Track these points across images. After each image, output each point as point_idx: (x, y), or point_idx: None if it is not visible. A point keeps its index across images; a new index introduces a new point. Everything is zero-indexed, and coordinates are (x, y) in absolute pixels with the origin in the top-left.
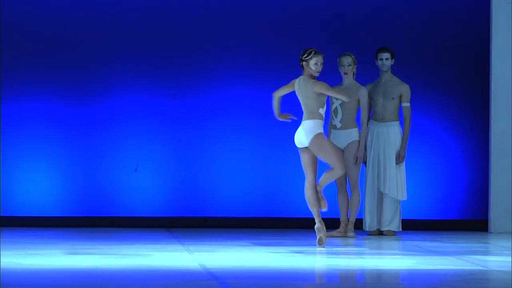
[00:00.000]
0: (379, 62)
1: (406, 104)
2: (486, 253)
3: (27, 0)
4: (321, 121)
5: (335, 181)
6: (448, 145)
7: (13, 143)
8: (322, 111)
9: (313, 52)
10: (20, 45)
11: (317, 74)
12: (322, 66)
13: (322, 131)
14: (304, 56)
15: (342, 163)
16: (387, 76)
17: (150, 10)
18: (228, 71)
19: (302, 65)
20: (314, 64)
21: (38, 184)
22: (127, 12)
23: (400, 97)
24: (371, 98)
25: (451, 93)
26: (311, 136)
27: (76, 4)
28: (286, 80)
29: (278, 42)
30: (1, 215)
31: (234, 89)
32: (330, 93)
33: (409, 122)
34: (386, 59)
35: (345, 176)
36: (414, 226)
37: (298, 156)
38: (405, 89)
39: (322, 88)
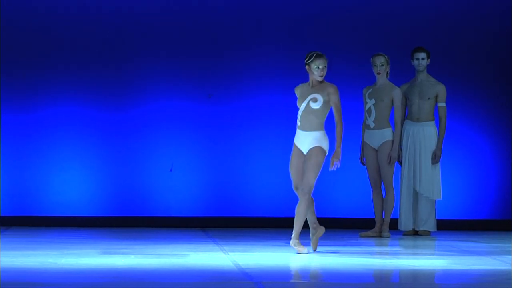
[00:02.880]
0: (415, 62)
1: (442, 104)
2: None
3: (66, 4)
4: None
5: (369, 180)
6: (481, 146)
7: (49, 146)
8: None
9: (314, 55)
10: (56, 51)
11: (320, 79)
12: (326, 69)
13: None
14: (306, 59)
15: (314, 183)
16: (423, 76)
17: (182, 14)
18: (261, 76)
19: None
20: (316, 67)
21: (74, 184)
22: (160, 16)
23: (436, 97)
24: (407, 98)
25: (484, 94)
26: (318, 145)
27: (109, 10)
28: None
29: (310, 47)
30: (37, 214)
31: (267, 93)
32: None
33: (445, 122)
34: (422, 58)
35: (379, 175)
36: (449, 226)
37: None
38: (441, 89)
39: (338, 101)
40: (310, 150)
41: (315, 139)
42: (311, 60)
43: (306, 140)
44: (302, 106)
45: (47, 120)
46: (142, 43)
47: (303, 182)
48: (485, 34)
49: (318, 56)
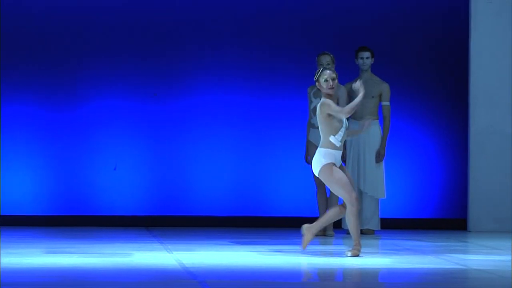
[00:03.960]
0: (359, 61)
1: (386, 103)
2: (465, 251)
3: (10, 3)
4: (330, 150)
5: (314, 179)
6: (426, 145)
7: None
8: (333, 139)
9: (321, 69)
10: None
11: (330, 92)
12: (335, 80)
13: (330, 161)
14: (315, 77)
15: (353, 195)
16: (367, 75)
17: (125, 13)
18: (207, 74)
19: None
20: (324, 81)
21: (18, 183)
22: (105, 15)
23: (380, 96)
24: (350, 97)
25: (429, 93)
26: (318, 167)
27: (51, 9)
28: (267, 84)
29: (254, 44)
30: None
31: (210, 93)
32: (337, 111)
33: (389, 121)
34: (367, 58)
35: None
36: (393, 225)
37: (277, 156)
38: (385, 88)
39: (326, 107)
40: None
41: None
42: (318, 75)
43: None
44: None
45: None
46: (87, 43)
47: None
48: (428, 34)
49: (324, 70)
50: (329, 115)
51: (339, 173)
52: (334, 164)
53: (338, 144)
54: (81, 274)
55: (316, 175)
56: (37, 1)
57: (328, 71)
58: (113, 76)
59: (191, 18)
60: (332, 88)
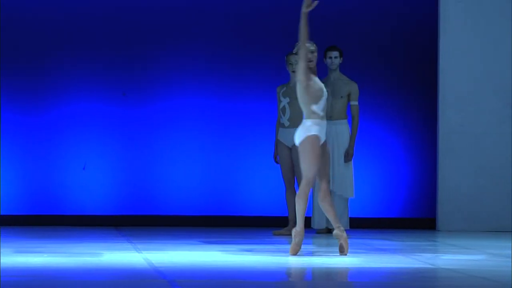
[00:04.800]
0: (328, 61)
1: (354, 103)
2: (434, 251)
3: None
4: (316, 120)
5: (283, 179)
6: (392, 146)
7: None
8: (315, 107)
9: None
10: None
11: (310, 65)
12: (314, 53)
13: (316, 132)
14: (294, 50)
15: (312, 178)
16: (336, 75)
17: (99, 13)
18: (175, 75)
19: None
20: (311, 52)
21: None
22: (75, 15)
23: (349, 95)
24: None
25: (395, 94)
26: (302, 137)
27: (22, 8)
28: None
29: (226, 46)
30: None
31: (182, 94)
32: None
33: (357, 120)
34: (335, 57)
35: (292, 174)
36: (362, 224)
37: (246, 155)
38: (353, 88)
39: (299, 73)
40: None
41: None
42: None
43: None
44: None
45: None
46: (54, 44)
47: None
48: (397, 33)
49: (311, 45)
50: (308, 85)
51: (317, 151)
52: (318, 138)
53: (320, 113)
54: (51, 274)
55: (296, 144)
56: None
57: (308, 44)
58: (82, 77)
59: (165, 18)
60: (311, 61)
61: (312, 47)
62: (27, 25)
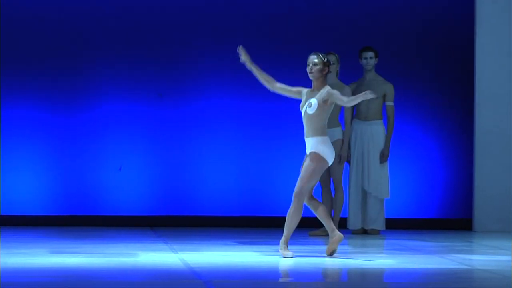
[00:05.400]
0: (363, 61)
1: (389, 103)
2: (470, 252)
3: (14, 7)
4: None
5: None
6: (428, 146)
7: (1, 146)
8: None
9: (310, 54)
10: (9, 55)
11: (310, 76)
12: (317, 66)
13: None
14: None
15: (304, 188)
16: (371, 75)
17: (135, 15)
18: (211, 77)
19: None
20: (307, 65)
21: (24, 183)
22: (112, 17)
23: (384, 96)
24: None
25: (433, 93)
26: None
27: (63, 12)
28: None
29: (262, 47)
30: None
31: (218, 95)
32: (340, 98)
33: (393, 121)
34: (370, 58)
35: (329, 175)
36: (398, 225)
37: (281, 156)
38: (389, 88)
39: (329, 95)
40: (308, 156)
41: (312, 143)
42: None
43: (308, 146)
44: (302, 112)
45: None
46: (91, 46)
47: (295, 187)
48: (433, 34)
49: (310, 55)
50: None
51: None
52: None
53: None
54: (86, 274)
55: (330, 163)
56: (40, 3)
57: (312, 56)
58: (118, 78)
59: (201, 20)
60: (311, 72)
61: (317, 59)
62: (64, 25)
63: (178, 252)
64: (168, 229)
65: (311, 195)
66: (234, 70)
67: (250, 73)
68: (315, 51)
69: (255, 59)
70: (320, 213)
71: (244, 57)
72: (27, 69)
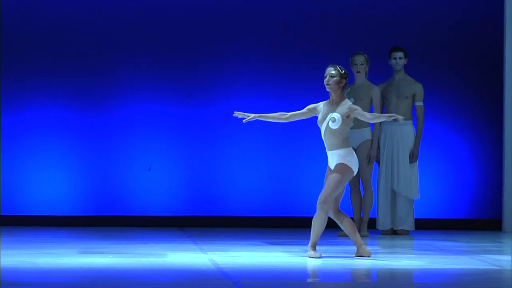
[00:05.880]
0: (393, 61)
1: (419, 104)
2: (499, 252)
3: (46, 8)
4: None
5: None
6: (458, 146)
7: (30, 147)
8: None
9: (328, 66)
10: (39, 56)
11: (327, 88)
12: (334, 78)
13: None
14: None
15: (329, 198)
16: (401, 75)
17: (161, 15)
18: (242, 77)
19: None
20: (324, 76)
21: (53, 184)
22: (139, 18)
23: (413, 96)
24: (384, 97)
25: (460, 94)
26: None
27: (88, 14)
28: (298, 88)
29: (290, 48)
30: (16, 214)
31: (245, 96)
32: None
33: (422, 121)
34: (400, 58)
35: (358, 175)
36: (427, 225)
37: (310, 157)
38: (418, 89)
39: (352, 110)
40: (334, 167)
41: (338, 156)
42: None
43: (330, 159)
44: (322, 126)
45: (29, 123)
46: (122, 47)
47: (320, 194)
48: (463, 35)
49: (329, 65)
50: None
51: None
52: (328, 167)
53: (324, 143)
54: (115, 275)
55: (356, 172)
56: (72, 4)
57: (329, 68)
58: (148, 79)
59: (229, 20)
60: (328, 84)
61: (334, 71)
62: (96, 27)
63: (207, 252)
64: (197, 229)
65: (338, 208)
66: (262, 70)
67: (277, 74)
68: (346, 51)
69: (281, 61)
70: (347, 227)
71: (245, 117)
72: (57, 69)
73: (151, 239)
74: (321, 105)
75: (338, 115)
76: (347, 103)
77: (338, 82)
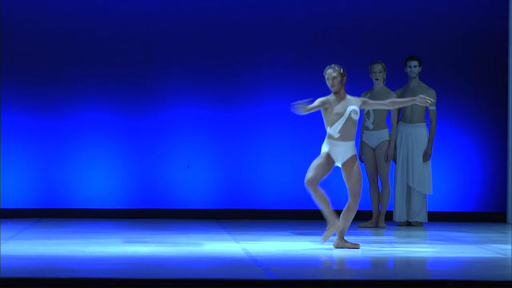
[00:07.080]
0: (408, 69)
1: (432, 108)
2: (504, 242)
3: (87, 13)
4: (329, 140)
5: (367, 176)
6: (466, 146)
7: (79, 147)
8: (329, 130)
9: (326, 68)
10: (82, 62)
11: (333, 89)
12: (336, 79)
13: (325, 150)
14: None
15: (307, 177)
16: (415, 82)
17: (198, 22)
18: (269, 84)
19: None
20: (326, 79)
21: (100, 180)
22: (176, 24)
23: None
24: None
25: (471, 98)
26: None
27: (129, 20)
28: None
29: (317, 56)
30: (66, 207)
31: (275, 99)
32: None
33: (435, 124)
34: (415, 66)
35: (376, 172)
36: (439, 218)
37: None
38: (431, 94)
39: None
40: (350, 159)
41: (351, 147)
42: (324, 72)
43: (343, 149)
44: (342, 119)
45: (77, 125)
46: (162, 53)
47: (354, 189)
48: (471, 45)
49: (327, 68)
50: (326, 109)
51: (317, 161)
52: (328, 154)
53: (335, 135)
54: (157, 261)
55: (345, 158)
56: (102, 5)
57: (329, 70)
58: (188, 83)
59: (261, 28)
60: (333, 86)
61: (334, 73)
62: (137, 31)
63: (240, 242)
64: (231, 221)
65: (317, 184)
66: (291, 76)
67: (306, 78)
68: (365, 60)
69: (306, 69)
70: (320, 201)
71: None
72: (102, 74)
73: (190, 230)
74: (331, 98)
75: (356, 108)
76: (351, 97)
77: (340, 81)
